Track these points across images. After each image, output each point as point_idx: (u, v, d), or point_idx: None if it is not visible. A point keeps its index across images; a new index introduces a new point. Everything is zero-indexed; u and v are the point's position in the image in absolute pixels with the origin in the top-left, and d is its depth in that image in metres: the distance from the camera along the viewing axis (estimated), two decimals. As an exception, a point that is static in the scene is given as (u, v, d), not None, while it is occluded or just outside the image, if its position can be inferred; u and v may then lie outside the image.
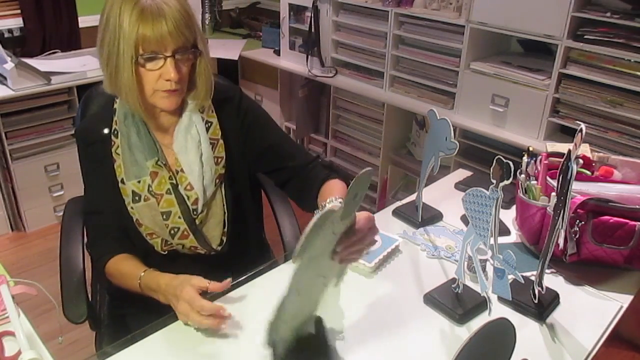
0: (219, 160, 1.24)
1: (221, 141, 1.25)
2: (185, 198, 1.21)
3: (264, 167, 1.34)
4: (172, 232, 1.21)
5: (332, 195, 1.12)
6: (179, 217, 1.20)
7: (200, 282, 1.03)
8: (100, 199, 1.25)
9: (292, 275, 0.86)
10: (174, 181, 1.21)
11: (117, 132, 1.20)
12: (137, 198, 1.19)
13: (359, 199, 0.89)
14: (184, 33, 1.08)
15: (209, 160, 1.22)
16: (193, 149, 1.21)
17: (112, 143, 1.21)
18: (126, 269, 1.19)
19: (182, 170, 1.21)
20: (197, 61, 1.16)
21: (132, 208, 1.20)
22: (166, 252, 1.23)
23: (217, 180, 1.24)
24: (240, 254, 1.33)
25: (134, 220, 1.20)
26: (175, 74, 1.09)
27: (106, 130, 1.22)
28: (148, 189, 1.19)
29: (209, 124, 1.24)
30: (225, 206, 1.26)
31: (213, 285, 1.03)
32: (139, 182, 1.19)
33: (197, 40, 1.13)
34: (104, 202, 1.24)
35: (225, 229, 1.26)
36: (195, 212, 1.22)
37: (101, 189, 1.24)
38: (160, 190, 1.20)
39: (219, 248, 1.26)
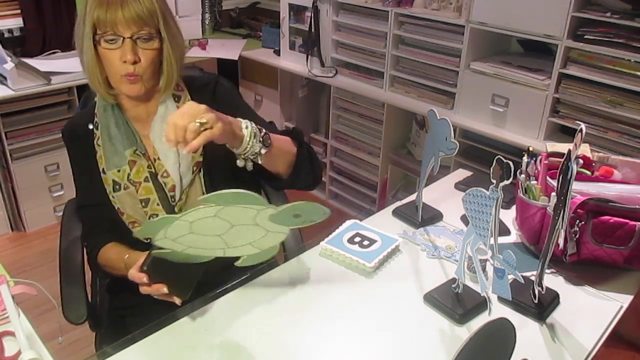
0: None
1: None
2: (163, 185, 1.23)
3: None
4: (152, 219, 1.23)
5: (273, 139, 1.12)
6: (158, 204, 1.23)
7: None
8: (89, 193, 1.28)
9: (196, 209, 0.87)
10: (153, 170, 1.24)
11: (98, 125, 1.24)
12: (117, 187, 1.23)
13: (300, 222, 0.89)
14: (143, 19, 1.10)
15: None
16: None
17: (95, 136, 1.25)
18: (113, 255, 1.24)
19: (159, 159, 1.24)
20: (163, 48, 1.16)
21: (113, 197, 1.23)
22: (149, 240, 1.24)
23: (195, 168, 1.26)
24: None
25: (117, 209, 1.24)
26: (132, 56, 1.11)
27: (90, 126, 1.26)
28: (127, 178, 1.23)
29: (178, 98, 1.25)
30: (204, 194, 1.26)
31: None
32: (118, 171, 1.22)
33: (160, 27, 1.14)
34: (93, 196, 1.27)
35: None
36: (173, 199, 1.24)
37: (89, 183, 1.27)
38: (139, 178, 1.23)
39: None
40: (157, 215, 1.23)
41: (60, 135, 1.32)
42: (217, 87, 1.31)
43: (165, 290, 1.03)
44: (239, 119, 1.08)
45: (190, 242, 0.95)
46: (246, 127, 1.07)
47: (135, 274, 1.04)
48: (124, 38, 1.10)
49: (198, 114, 0.98)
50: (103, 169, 1.23)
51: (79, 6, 1.17)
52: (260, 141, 1.08)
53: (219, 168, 1.30)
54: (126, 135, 1.22)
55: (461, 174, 1.69)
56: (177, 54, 1.19)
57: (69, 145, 1.31)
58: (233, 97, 1.33)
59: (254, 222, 0.89)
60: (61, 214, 1.50)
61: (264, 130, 1.10)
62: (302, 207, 0.87)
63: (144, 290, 1.06)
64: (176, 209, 1.25)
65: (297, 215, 0.88)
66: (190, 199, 1.26)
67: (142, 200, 1.23)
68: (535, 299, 1.09)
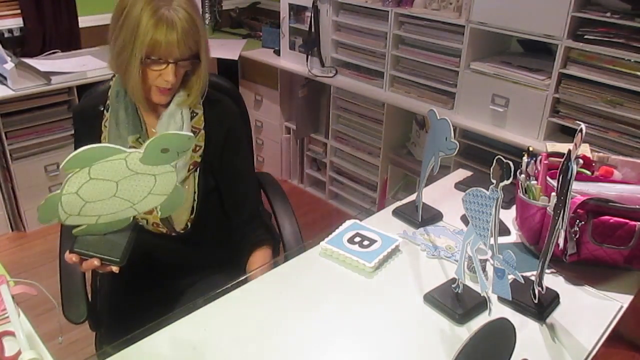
0: (197, 148, 1.31)
1: (202, 131, 1.32)
2: None
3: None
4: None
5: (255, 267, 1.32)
6: None
7: None
8: None
9: (67, 179, 0.89)
10: None
11: (109, 107, 1.29)
12: None
13: (171, 156, 0.91)
14: (190, 45, 1.18)
15: None
16: (173, 131, 1.27)
17: (104, 117, 1.29)
18: None
19: None
20: (196, 67, 1.26)
21: None
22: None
23: (191, 167, 1.30)
24: (202, 244, 1.39)
25: None
26: (173, 78, 1.19)
27: (101, 107, 1.30)
28: None
29: (195, 114, 1.31)
30: (196, 193, 1.32)
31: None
32: None
33: (200, 51, 1.22)
34: None
35: (192, 216, 1.31)
36: None
37: None
38: None
39: (182, 232, 1.31)
40: None
41: (61, 135, 1.35)
42: (229, 115, 1.38)
43: (97, 263, 1.04)
44: None
45: (94, 212, 0.97)
46: None
47: (67, 256, 1.06)
48: (169, 63, 1.18)
49: None
50: None
51: (128, 15, 1.17)
52: None
53: (214, 170, 1.35)
54: (133, 122, 1.27)
55: (461, 174, 1.69)
56: (208, 71, 1.28)
57: (78, 123, 1.36)
58: (237, 132, 1.40)
59: (132, 171, 0.91)
60: (61, 214, 1.50)
61: None
62: (165, 139, 0.88)
63: (81, 268, 1.08)
64: None
65: (166, 150, 0.89)
66: None
67: None
68: (535, 299, 1.09)
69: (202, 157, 1.32)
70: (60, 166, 0.87)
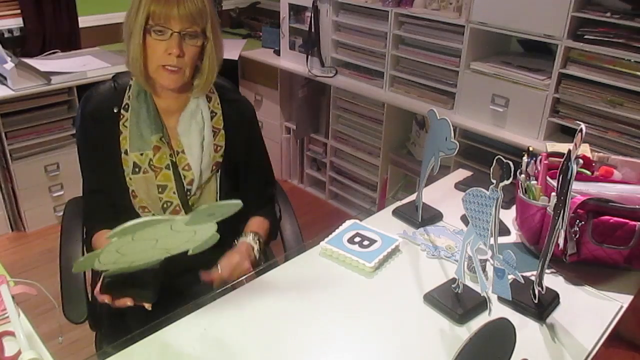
0: (218, 148, 1.33)
1: (222, 131, 1.34)
2: (182, 177, 1.29)
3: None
4: (165, 206, 1.28)
5: (250, 229, 1.35)
6: (174, 193, 1.28)
7: None
8: (100, 176, 1.32)
9: (108, 245, 0.88)
10: (174, 159, 1.29)
11: (129, 107, 1.28)
12: (136, 170, 1.28)
13: (216, 217, 0.91)
14: (194, 19, 1.18)
15: (209, 146, 1.31)
16: (196, 132, 1.30)
17: (121, 117, 1.29)
18: (103, 243, 1.24)
19: (182, 152, 1.30)
20: (205, 47, 1.24)
21: (130, 179, 1.28)
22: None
23: (214, 167, 1.33)
24: (215, 246, 1.37)
25: (130, 191, 1.28)
26: (177, 49, 1.18)
27: (115, 109, 1.29)
28: (149, 163, 1.28)
29: (214, 114, 1.33)
30: (218, 194, 1.34)
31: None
32: (141, 154, 1.27)
33: (207, 28, 1.22)
34: (103, 179, 1.31)
35: None
36: (189, 193, 1.30)
37: (102, 167, 1.30)
38: (161, 164, 1.28)
39: None
40: (170, 204, 1.29)
41: (61, 135, 1.35)
42: (247, 111, 1.41)
43: (130, 302, 1.07)
44: (250, 242, 1.31)
45: (129, 261, 0.98)
46: (257, 250, 1.31)
47: (99, 296, 1.08)
48: (172, 32, 1.17)
49: (246, 272, 1.23)
50: (126, 150, 1.27)
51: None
52: (259, 249, 1.32)
53: (235, 170, 1.38)
54: (155, 122, 1.28)
55: (461, 174, 1.69)
56: (219, 55, 1.27)
57: (91, 125, 1.34)
58: (255, 126, 1.44)
59: (175, 231, 0.90)
60: (61, 214, 1.50)
61: (262, 241, 1.34)
62: (213, 208, 0.89)
63: (113, 305, 1.08)
64: (190, 202, 1.30)
65: (212, 214, 0.90)
66: (204, 196, 1.33)
67: (159, 186, 1.28)
68: (535, 299, 1.09)
69: (223, 157, 1.34)
70: (106, 236, 0.86)
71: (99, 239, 1.30)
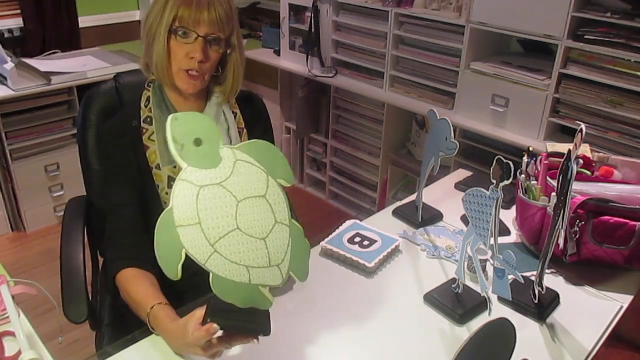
0: None
1: (245, 130, 1.32)
2: None
3: None
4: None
5: None
6: None
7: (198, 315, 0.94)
8: (124, 193, 1.22)
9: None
10: None
11: (151, 119, 1.23)
12: (172, 183, 1.19)
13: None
14: (222, 24, 1.16)
15: None
16: (223, 135, 1.27)
17: (144, 131, 1.23)
18: (135, 295, 1.11)
19: None
20: (229, 57, 1.23)
21: (166, 194, 1.21)
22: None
23: None
24: None
25: (164, 204, 1.21)
26: (201, 54, 1.15)
27: (134, 123, 1.25)
28: None
29: (234, 114, 1.31)
30: None
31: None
32: (174, 167, 1.21)
33: (232, 36, 1.20)
34: (126, 194, 1.22)
35: None
36: None
37: (126, 182, 1.22)
38: None
39: None
40: None
41: (61, 135, 1.33)
42: (259, 105, 1.40)
43: (246, 340, 0.92)
44: None
45: (234, 250, 0.90)
46: None
47: (204, 331, 0.90)
48: (198, 36, 1.15)
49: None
50: (157, 165, 1.21)
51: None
52: None
53: None
54: None
55: (461, 174, 1.69)
56: (243, 62, 1.26)
57: (109, 143, 1.27)
58: (268, 119, 1.42)
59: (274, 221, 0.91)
60: (61, 214, 1.50)
61: None
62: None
63: (228, 344, 0.92)
64: None
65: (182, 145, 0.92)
66: None
67: None
68: (535, 299, 1.09)
69: None
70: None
71: (127, 283, 1.13)
